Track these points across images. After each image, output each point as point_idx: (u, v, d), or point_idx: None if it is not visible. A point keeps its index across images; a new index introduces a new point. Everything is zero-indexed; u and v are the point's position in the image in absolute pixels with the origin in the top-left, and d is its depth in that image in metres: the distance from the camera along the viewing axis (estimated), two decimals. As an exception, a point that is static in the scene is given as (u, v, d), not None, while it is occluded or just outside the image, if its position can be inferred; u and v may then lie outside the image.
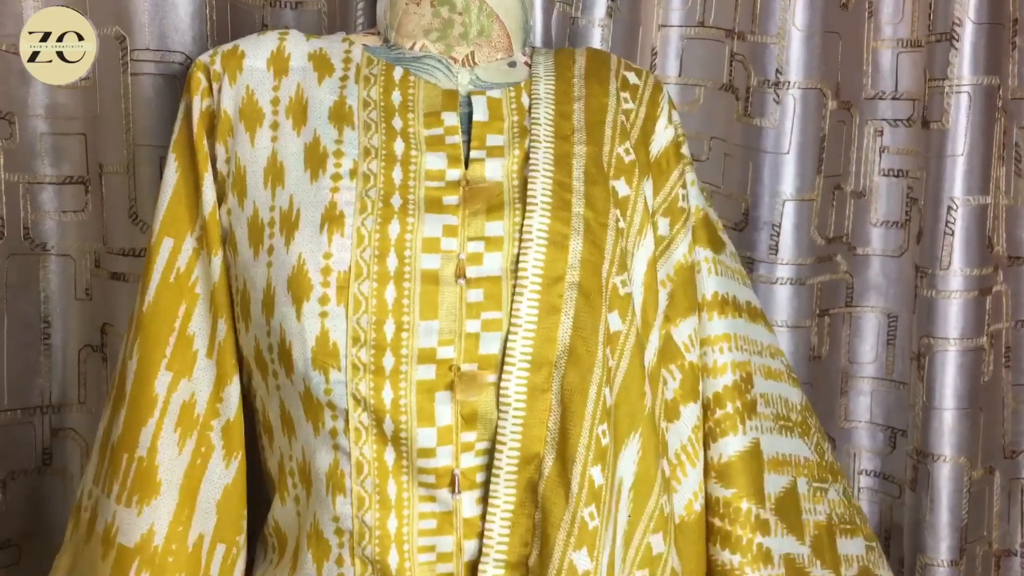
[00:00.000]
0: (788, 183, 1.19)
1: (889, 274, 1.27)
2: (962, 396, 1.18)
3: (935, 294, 1.18)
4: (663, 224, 0.93)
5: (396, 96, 0.87)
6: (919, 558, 1.20)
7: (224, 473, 0.85)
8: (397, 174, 0.83)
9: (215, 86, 0.86)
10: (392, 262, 0.80)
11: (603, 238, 0.85)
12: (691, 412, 0.93)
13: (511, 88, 0.90)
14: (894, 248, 1.27)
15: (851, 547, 1.02)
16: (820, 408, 1.22)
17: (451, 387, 0.80)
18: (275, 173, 0.83)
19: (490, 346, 0.80)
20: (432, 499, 0.80)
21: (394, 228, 0.81)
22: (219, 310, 0.85)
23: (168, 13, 1.02)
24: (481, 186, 0.84)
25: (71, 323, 1.08)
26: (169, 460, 0.83)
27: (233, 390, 0.85)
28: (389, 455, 0.80)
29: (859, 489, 1.30)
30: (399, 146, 0.84)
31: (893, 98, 1.25)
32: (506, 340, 0.80)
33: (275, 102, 0.85)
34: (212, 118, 0.86)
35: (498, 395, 0.80)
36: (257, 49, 0.87)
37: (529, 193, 0.84)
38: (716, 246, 0.97)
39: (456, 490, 0.80)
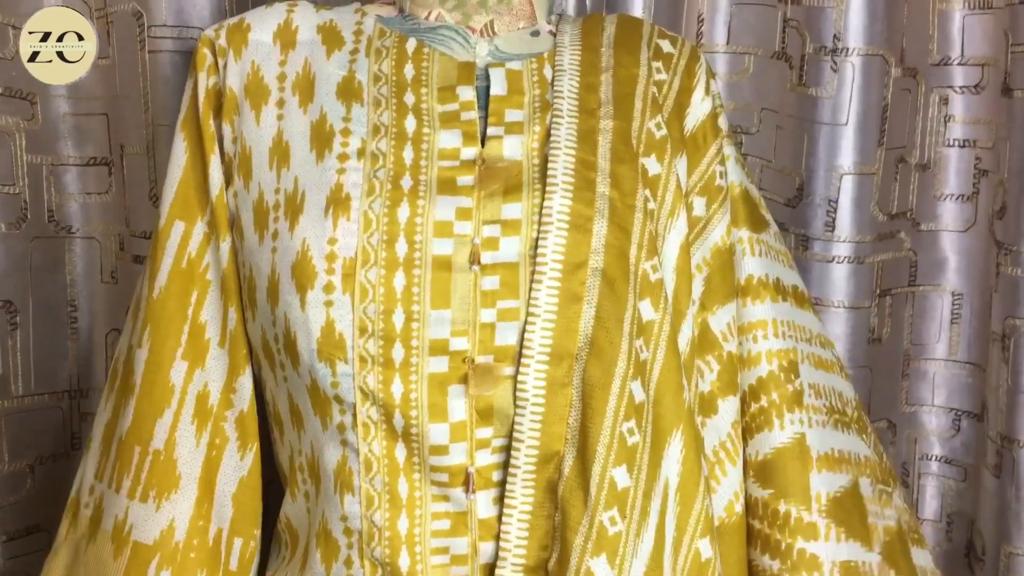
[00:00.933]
0: (846, 156, 1.10)
1: (956, 251, 1.19)
2: (1053, 380, 1.08)
3: (1022, 272, 1.07)
4: (699, 204, 0.84)
5: (409, 69, 0.80)
6: (1003, 547, 1.11)
7: (239, 465, 0.80)
8: (408, 153, 0.77)
9: (220, 62, 0.80)
10: (401, 247, 0.74)
11: (630, 220, 0.77)
12: (730, 406, 0.85)
13: (533, 59, 0.83)
14: (961, 223, 1.18)
15: (922, 558, 0.92)
16: (880, 392, 1.16)
17: (465, 380, 0.73)
18: (280, 153, 0.77)
19: (507, 337, 0.74)
20: (445, 498, 0.74)
21: (404, 211, 0.74)
22: (229, 297, 0.80)
23: (185, -13, 0.97)
24: (498, 165, 0.77)
25: (97, 306, 1.05)
26: (188, 453, 0.79)
27: (246, 380, 0.80)
28: (400, 452, 0.74)
29: (920, 475, 1.23)
30: (411, 123, 0.78)
31: (960, 64, 1.15)
32: (524, 331, 0.74)
33: (281, 78, 0.79)
34: (219, 96, 0.80)
35: (515, 389, 0.74)
36: (263, 22, 0.81)
37: (549, 172, 0.76)
38: (757, 225, 0.89)
39: (471, 489, 0.74)
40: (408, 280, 0.73)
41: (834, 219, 1.11)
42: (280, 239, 0.75)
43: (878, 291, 1.16)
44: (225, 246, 0.79)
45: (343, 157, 0.76)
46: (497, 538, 0.74)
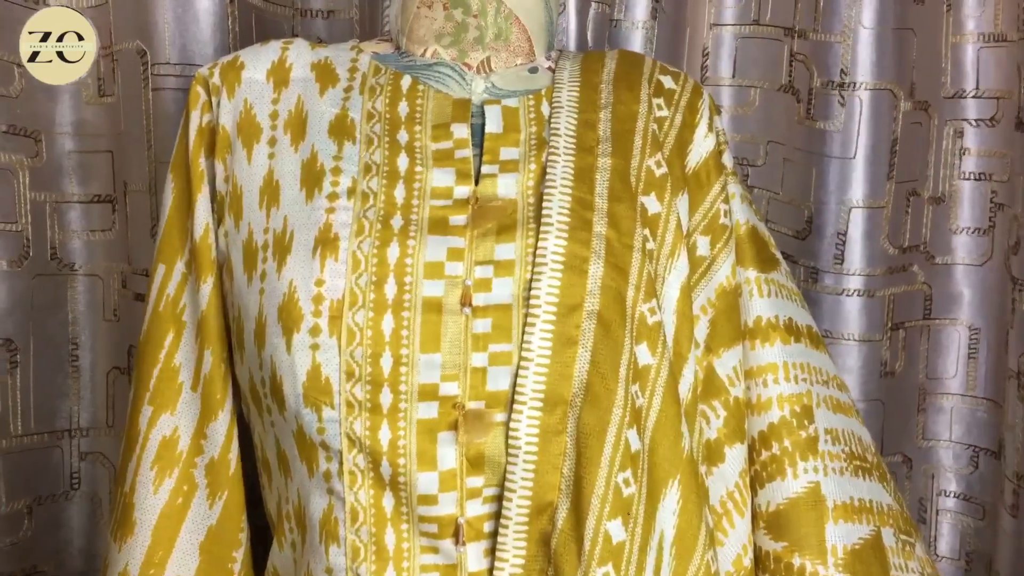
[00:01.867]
0: (856, 190, 1.07)
1: (972, 285, 1.15)
2: (1071, 420, 1.04)
3: (1040, 310, 1.03)
4: (703, 243, 0.80)
5: (403, 107, 0.76)
6: (1020, 589, 1.06)
7: (208, 514, 0.76)
8: (399, 192, 0.73)
9: (214, 100, 0.77)
10: (390, 289, 0.70)
11: (627, 261, 0.72)
12: (738, 454, 0.80)
13: (530, 96, 0.79)
14: (977, 256, 1.14)
15: None
16: (894, 426, 1.12)
17: (455, 427, 0.69)
18: (271, 192, 0.74)
19: (499, 382, 0.69)
20: (435, 550, 0.70)
21: (393, 251, 0.70)
22: (206, 340, 0.76)
23: (189, 25, 0.94)
24: (492, 204, 0.72)
25: (99, 345, 1.02)
26: (142, 499, 0.76)
27: (219, 426, 0.76)
28: (387, 501, 0.69)
29: (938, 511, 1.19)
30: (403, 161, 0.74)
31: (975, 96, 1.11)
32: (516, 376, 0.69)
33: (274, 116, 0.76)
34: (212, 134, 0.77)
35: (507, 437, 0.69)
36: (257, 60, 0.77)
37: (544, 211, 0.72)
38: (766, 264, 0.83)
39: (461, 541, 0.69)
40: (397, 323, 0.69)
41: (843, 252, 1.08)
42: (268, 280, 0.72)
43: (890, 324, 1.12)
44: (206, 288, 0.75)
45: (333, 196, 0.72)
46: None
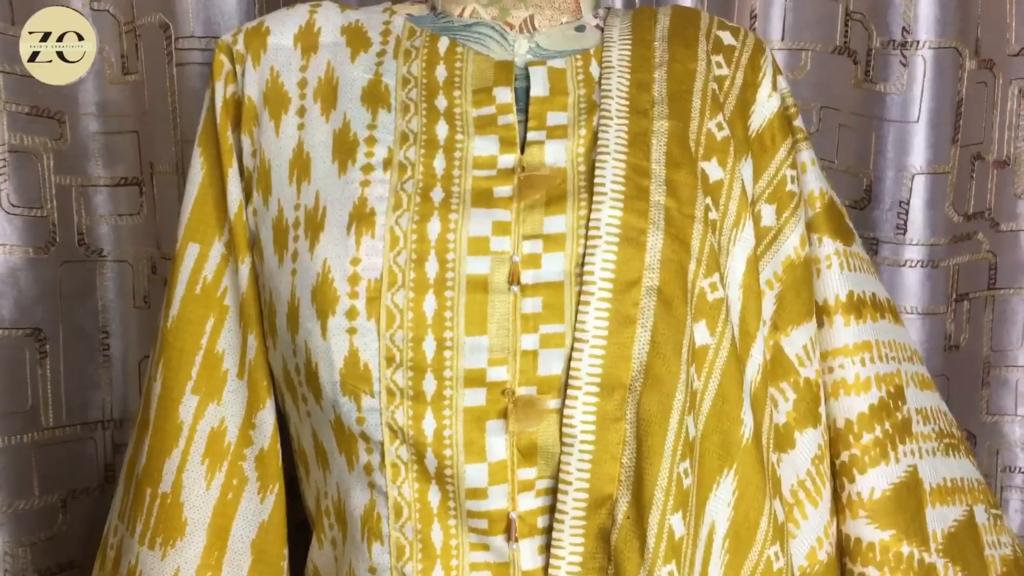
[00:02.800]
0: (918, 155, 1.00)
1: None
2: None
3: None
4: (767, 212, 0.72)
5: (441, 71, 0.69)
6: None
7: (259, 508, 0.69)
8: (439, 163, 0.66)
9: (239, 69, 0.70)
10: (432, 267, 0.63)
11: (689, 232, 0.65)
12: (810, 439, 0.72)
13: (578, 56, 0.71)
14: None
15: None
16: (958, 402, 1.05)
17: (504, 415, 0.62)
18: (301, 166, 0.67)
19: (551, 366, 0.62)
20: (485, 547, 0.63)
21: (434, 227, 0.63)
22: (249, 324, 0.69)
23: (214, -4, 0.88)
24: (540, 173, 0.65)
25: (130, 333, 0.96)
26: (196, 496, 0.69)
27: (267, 415, 0.69)
28: (433, 495, 0.63)
29: (1003, 488, 1.12)
30: (442, 129, 0.67)
31: (1041, 53, 1.02)
32: (570, 359, 0.62)
33: (302, 84, 0.69)
34: (238, 106, 0.70)
35: (561, 425, 0.62)
36: (283, 25, 0.71)
37: (597, 180, 0.65)
38: (847, 237, 0.77)
39: (513, 537, 0.63)
40: (440, 303, 0.62)
41: (906, 221, 1.01)
42: (300, 260, 0.65)
43: (954, 296, 1.05)
44: (244, 268, 0.69)
45: (367, 168, 0.65)
46: None
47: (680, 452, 0.63)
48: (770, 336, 0.72)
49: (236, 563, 0.69)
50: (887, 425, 0.73)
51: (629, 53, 0.71)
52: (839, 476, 0.74)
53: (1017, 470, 1.10)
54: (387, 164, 0.65)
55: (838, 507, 0.74)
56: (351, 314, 0.62)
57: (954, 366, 1.05)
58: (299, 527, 0.76)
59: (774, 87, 0.74)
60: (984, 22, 1.00)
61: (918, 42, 0.97)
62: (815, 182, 0.76)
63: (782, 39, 1.05)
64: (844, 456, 0.73)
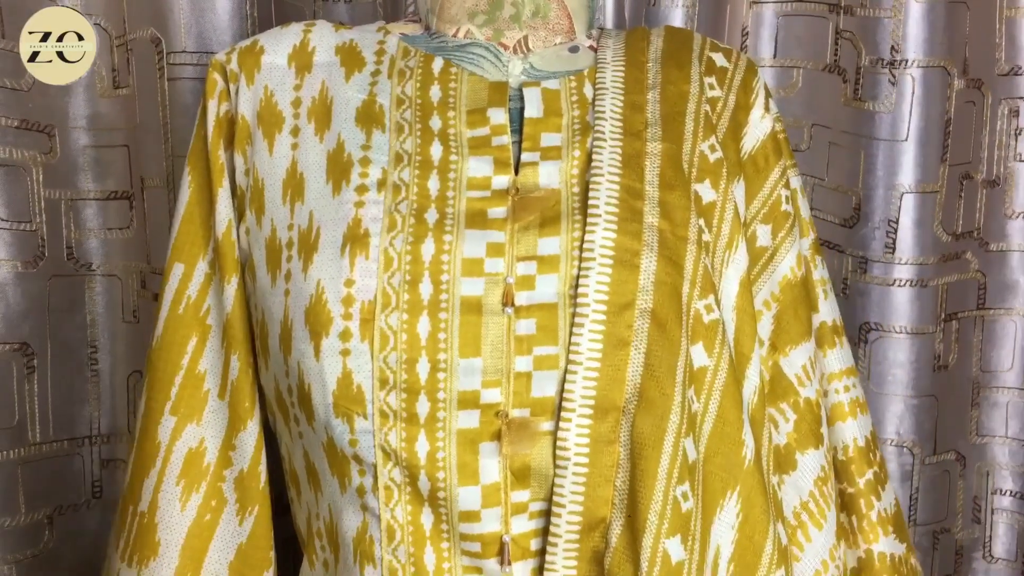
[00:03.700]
0: (907, 174, 1.00)
1: None
2: None
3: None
4: (763, 233, 0.72)
5: (435, 91, 0.69)
6: (1083, 594, 0.99)
7: (238, 531, 0.69)
8: (433, 184, 0.66)
9: (232, 88, 0.70)
10: (426, 289, 0.63)
11: (682, 254, 0.65)
12: (812, 460, 0.72)
13: (572, 77, 0.71)
14: None
15: None
16: (947, 422, 1.06)
17: (498, 437, 0.62)
18: (295, 186, 0.67)
19: (545, 388, 0.62)
20: (478, 570, 0.63)
21: (428, 248, 0.63)
22: (232, 344, 0.69)
23: (206, 12, 0.88)
24: (534, 195, 0.65)
25: (119, 347, 0.96)
26: (170, 517, 0.69)
27: (248, 436, 0.69)
28: (426, 518, 0.62)
29: (993, 510, 1.13)
30: (437, 150, 0.67)
31: (1031, 73, 1.03)
32: (564, 381, 0.62)
33: (296, 103, 0.69)
34: (231, 124, 0.70)
35: (555, 447, 0.62)
36: (278, 44, 0.71)
37: (591, 202, 0.65)
38: (825, 265, 0.79)
39: (506, 560, 0.63)
40: (434, 325, 0.62)
41: (895, 240, 1.01)
42: (293, 281, 0.65)
43: (943, 315, 1.05)
44: (230, 288, 0.69)
45: (362, 189, 0.65)
46: None
47: (677, 475, 0.63)
48: (769, 356, 0.72)
49: None
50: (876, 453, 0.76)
51: (623, 74, 0.71)
52: (864, 496, 0.76)
53: (1007, 492, 1.11)
54: (381, 185, 0.65)
55: (867, 527, 0.75)
56: (345, 336, 0.62)
57: (943, 386, 1.06)
58: (288, 542, 0.75)
59: (767, 109, 0.74)
60: (972, 42, 1.01)
61: (906, 61, 0.97)
62: (806, 209, 0.76)
63: (774, 57, 1.05)
64: (861, 483, 0.75)
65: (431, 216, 0.64)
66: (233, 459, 0.69)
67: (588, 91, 0.70)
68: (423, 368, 0.62)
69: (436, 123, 0.68)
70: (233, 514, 0.69)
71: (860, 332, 1.03)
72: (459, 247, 0.63)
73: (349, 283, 0.63)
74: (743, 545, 0.66)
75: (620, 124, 0.68)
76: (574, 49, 0.73)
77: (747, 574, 0.67)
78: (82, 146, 0.93)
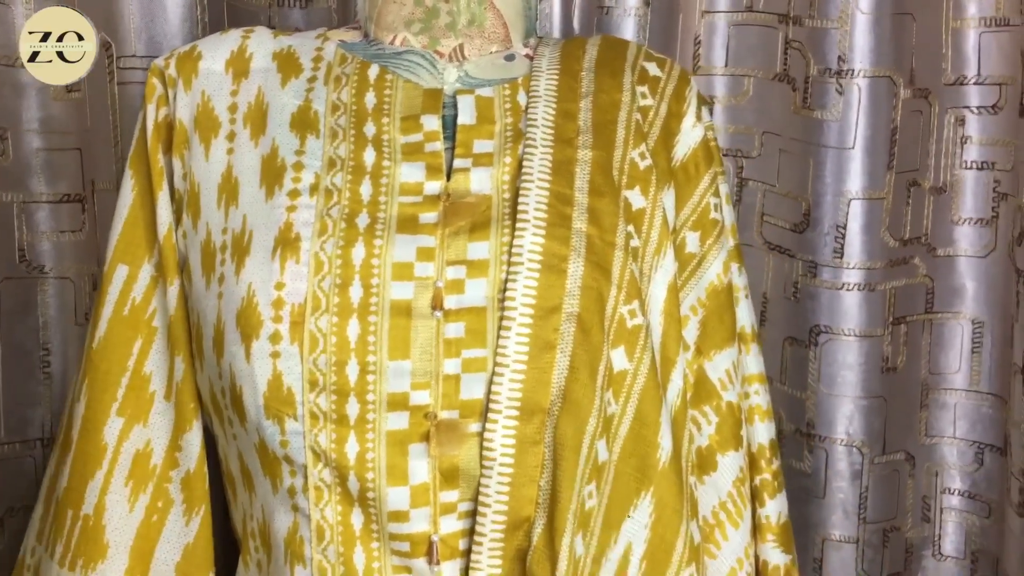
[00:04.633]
0: (854, 181, 1.01)
1: (975, 277, 1.09)
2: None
3: (1048, 303, 0.98)
4: (692, 240, 0.73)
5: (370, 98, 0.70)
6: (1031, 592, 1.01)
7: (184, 531, 0.70)
8: (365, 189, 0.66)
9: (170, 92, 0.71)
10: (356, 292, 0.63)
11: (610, 259, 0.66)
12: (732, 462, 0.74)
13: (506, 85, 0.72)
14: (980, 248, 1.08)
15: None
16: (897, 423, 1.07)
17: (427, 438, 0.63)
18: (229, 190, 0.68)
19: (473, 390, 0.63)
20: (407, 570, 0.64)
21: (358, 252, 0.64)
22: (176, 346, 0.70)
23: (156, 16, 0.89)
24: (465, 200, 0.66)
25: (71, 350, 0.96)
26: (118, 518, 0.69)
27: (193, 437, 0.70)
28: (356, 518, 0.63)
29: (942, 509, 1.14)
30: (370, 156, 0.68)
31: (976, 83, 1.05)
32: (491, 383, 0.63)
33: (233, 109, 0.70)
34: (169, 129, 0.71)
35: (482, 448, 0.63)
36: (216, 50, 0.71)
37: (520, 207, 0.66)
38: (743, 271, 0.80)
39: (435, 560, 0.63)
40: (363, 328, 0.63)
41: (843, 245, 1.02)
42: (226, 284, 0.66)
43: (891, 319, 1.06)
44: (173, 290, 0.69)
45: (294, 193, 0.66)
46: None
47: (587, 475, 0.64)
48: (694, 360, 0.73)
49: None
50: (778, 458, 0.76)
51: (556, 83, 0.72)
52: (751, 499, 0.76)
53: (956, 492, 1.12)
54: (313, 189, 0.66)
55: (758, 530, 0.76)
56: (275, 338, 0.63)
57: (892, 388, 1.07)
58: (234, 545, 0.76)
59: (698, 118, 0.75)
60: (919, 52, 1.02)
61: (853, 71, 0.99)
62: (730, 215, 0.78)
63: (725, 65, 1.06)
64: (756, 480, 0.75)
65: (362, 220, 0.65)
66: (179, 460, 0.70)
67: (522, 99, 0.71)
68: (352, 370, 0.63)
69: (370, 129, 0.69)
70: (180, 515, 0.70)
71: (810, 335, 1.04)
72: (389, 251, 0.64)
73: (279, 286, 0.64)
74: (655, 544, 0.68)
75: (552, 131, 0.69)
76: (510, 57, 0.75)
77: (657, 571, 0.68)
78: (34, 149, 0.93)
